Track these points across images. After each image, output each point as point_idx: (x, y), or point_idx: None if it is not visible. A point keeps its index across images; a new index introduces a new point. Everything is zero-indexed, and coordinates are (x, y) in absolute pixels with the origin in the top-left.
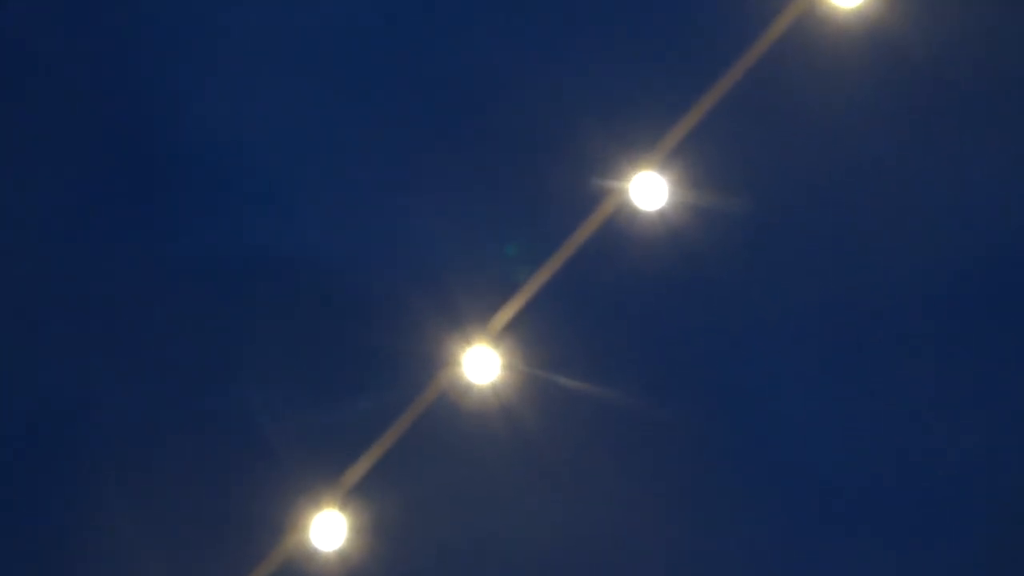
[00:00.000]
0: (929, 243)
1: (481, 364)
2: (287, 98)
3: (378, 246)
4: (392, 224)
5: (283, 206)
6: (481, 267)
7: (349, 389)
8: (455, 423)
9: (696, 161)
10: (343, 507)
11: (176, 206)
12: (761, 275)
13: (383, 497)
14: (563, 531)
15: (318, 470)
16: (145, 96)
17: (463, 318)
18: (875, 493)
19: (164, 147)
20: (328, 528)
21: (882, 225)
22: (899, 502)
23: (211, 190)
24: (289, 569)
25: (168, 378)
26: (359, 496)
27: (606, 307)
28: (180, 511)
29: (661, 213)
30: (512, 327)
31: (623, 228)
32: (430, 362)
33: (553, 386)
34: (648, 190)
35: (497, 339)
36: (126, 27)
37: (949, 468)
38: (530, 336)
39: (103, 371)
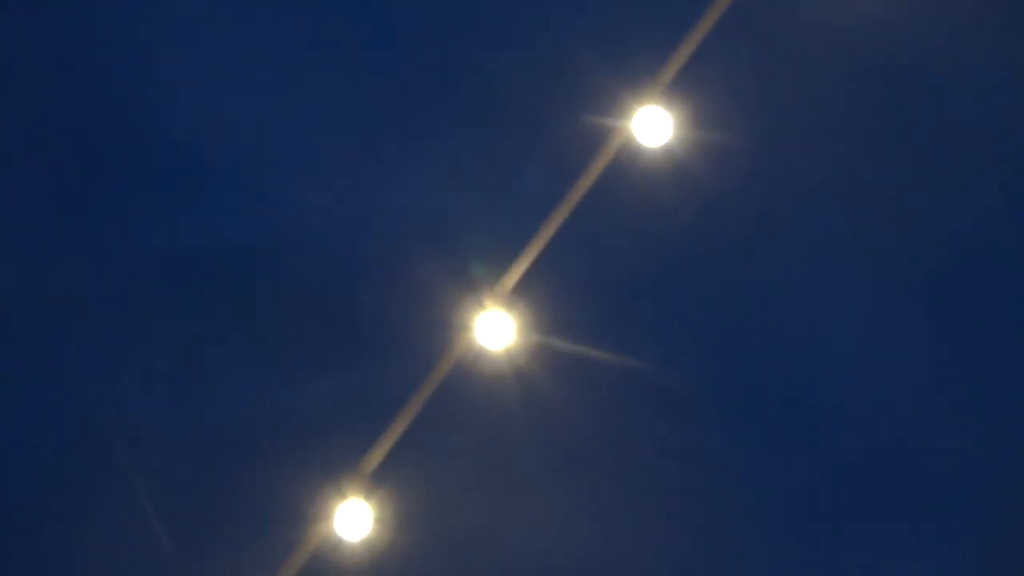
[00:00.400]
0: (949, 159)
1: (495, 329)
2: (257, 73)
3: (373, 213)
4: (386, 187)
5: (266, 183)
6: (484, 223)
7: (360, 364)
8: (472, 395)
9: (700, 90)
10: (366, 495)
11: (151, 195)
12: (780, 207)
13: (405, 482)
14: (586, 512)
15: (335, 456)
16: (107, 83)
17: (472, 280)
18: (920, 476)
19: (130, 136)
20: (353, 517)
21: (901, 144)
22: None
23: (187, 175)
24: (316, 561)
25: (167, 373)
26: (380, 482)
27: (619, 256)
28: (195, 510)
29: (667, 149)
30: (524, 286)
31: (629, 168)
32: (441, 330)
33: (569, 349)
34: (652, 125)
35: (510, 300)
36: (88, 10)
37: (998, 406)
38: (543, 294)
39: (100, 370)
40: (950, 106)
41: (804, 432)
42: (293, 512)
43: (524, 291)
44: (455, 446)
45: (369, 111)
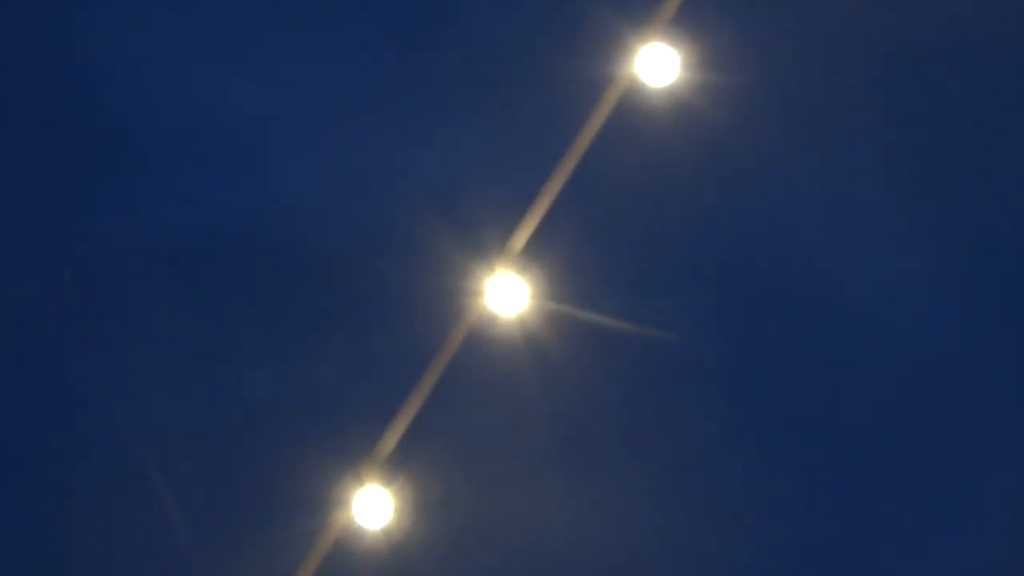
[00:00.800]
0: (966, 85)
1: (506, 293)
2: (240, 43)
3: (371, 179)
4: (383, 154)
5: (259, 157)
6: (487, 182)
7: (367, 339)
8: (486, 366)
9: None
10: (384, 481)
11: (145, 180)
12: (795, 145)
13: (422, 465)
14: (607, 489)
15: (349, 439)
16: (76, 62)
17: (480, 243)
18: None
19: (106, 118)
20: (372, 504)
21: (919, 73)
22: None
23: (179, 155)
24: (337, 551)
25: (175, 365)
26: (398, 466)
27: (630, 207)
28: (211, 501)
29: (671, 90)
30: (533, 246)
31: (634, 112)
32: (450, 297)
33: (585, 316)
34: (656, 65)
35: (520, 262)
36: None
37: None
38: (553, 254)
39: (106, 363)
40: (966, 31)
41: (833, 397)
42: (310, 500)
43: (534, 251)
44: (471, 423)
45: (361, 73)
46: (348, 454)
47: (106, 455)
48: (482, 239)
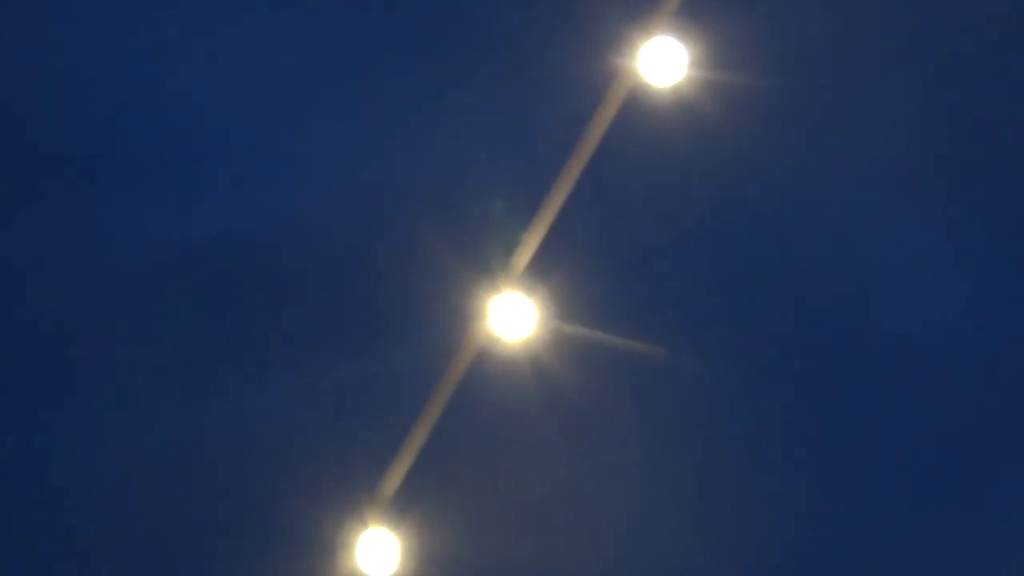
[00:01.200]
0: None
1: (511, 314)
2: (223, 48)
3: (357, 190)
4: (370, 159)
5: (231, 169)
6: (489, 190)
7: (363, 366)
8: (492, 395)
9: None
10: (389, 523)
11: (128, 195)
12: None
13: (428, 505)
14: (625, 525)
15: (348, 480)
16: (38, 70)
17: (483, 257)
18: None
19: (67, 130)
20: (376, 548)
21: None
22: None
23: (165, 169)
24: None
25: (149, 399)
26: (402, 507)
27: (639, 218)
28: (201, 541)
29: (676, 89)
30: (539, 261)
31: (640, 111)
32: (451, 319)
33: (593, 336)
34: (661, 61)
35: (526, 279)
36: None
37: None
38: (562, 271)
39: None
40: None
41: (860, 416)
42: (310, 543)
43: (540, 266)
44: (478, 458)
45: (348, 71)
46: (348, 496)
47: (75, 499)
48: (484, 253)
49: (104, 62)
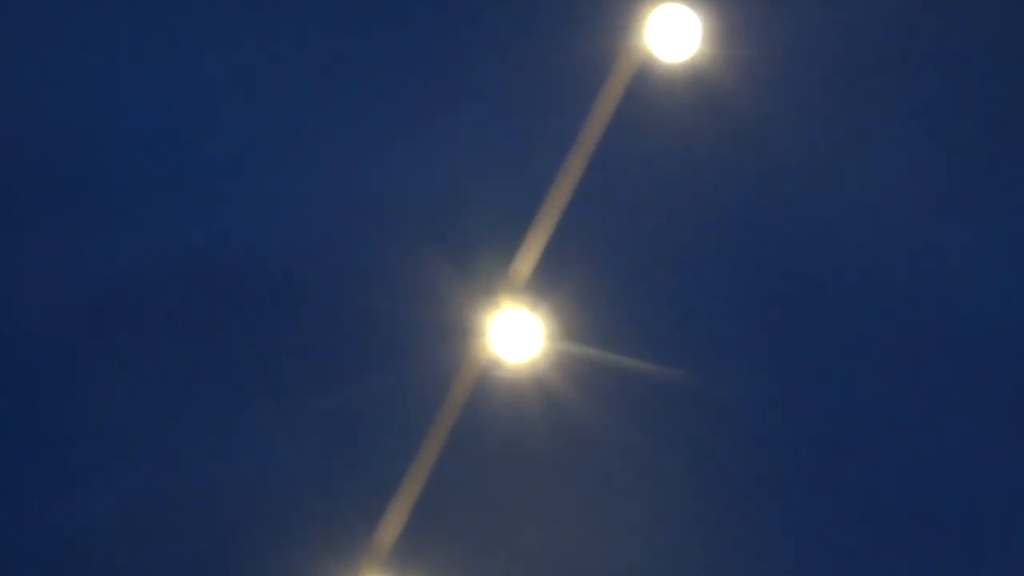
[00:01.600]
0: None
1: (514, 332)
2: (218, 51)
3: (346, 200)
4: (358, 165)
5: (214, 184)
6: (486, 194)
7: (355, 396)
8: (492, 420)
9: None
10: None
11: (120, 208)
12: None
13: (432, 553)
14: (638, 551)
15: (343, 524)
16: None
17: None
18: None
19: (31, 150)
20: None
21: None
22: None
23: (159, 182)
24: None
25: (116, 443)
26: (401, 557)
27: (648, 219)
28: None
29: (687, 65)
30: (544, 273)
31: (649, 92)
32: (449, 339)
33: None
34: (671, 36)
35: (530, 294)
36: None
37: None
38: (569, 284)
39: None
40: None
41: (890, 458)
42: None
43: (545, 279)
44: (480, 490)
45: (332, 69)
46: (343, 546)
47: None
48: (483, 265)
49: (96, 72)
